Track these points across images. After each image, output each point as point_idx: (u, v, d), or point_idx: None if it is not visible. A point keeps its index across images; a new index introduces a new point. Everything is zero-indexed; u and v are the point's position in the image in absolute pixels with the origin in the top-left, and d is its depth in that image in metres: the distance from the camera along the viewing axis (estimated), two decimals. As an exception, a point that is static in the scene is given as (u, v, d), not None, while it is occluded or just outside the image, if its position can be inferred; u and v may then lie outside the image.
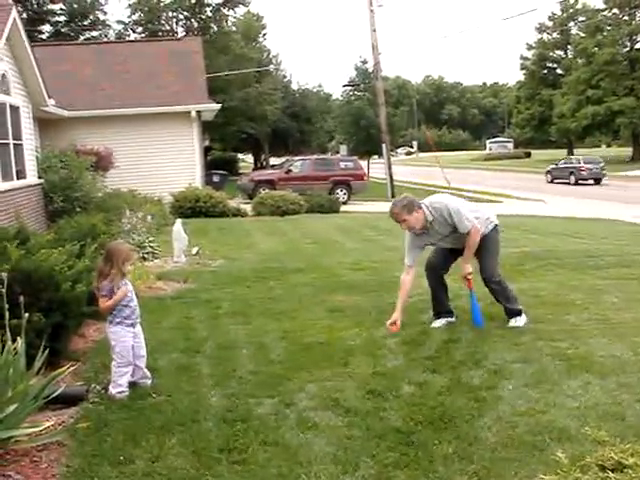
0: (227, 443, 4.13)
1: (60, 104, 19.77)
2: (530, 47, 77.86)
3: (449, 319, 6.86)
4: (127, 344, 5.06)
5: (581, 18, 70.30)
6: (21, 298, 4.37)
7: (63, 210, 15.41)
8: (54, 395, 4.47)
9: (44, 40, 41.02)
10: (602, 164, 43.15)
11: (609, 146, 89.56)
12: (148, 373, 5.23)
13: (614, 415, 4.34)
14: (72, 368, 5.09)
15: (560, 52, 76.69)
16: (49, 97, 17.27)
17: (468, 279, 6.68)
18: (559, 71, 76.00)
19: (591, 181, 42.03)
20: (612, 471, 2.73)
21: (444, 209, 6.44)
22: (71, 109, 21.37)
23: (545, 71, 76.99)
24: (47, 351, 4.55)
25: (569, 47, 74.08)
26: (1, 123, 13.70)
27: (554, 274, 9.28)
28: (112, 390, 4.96)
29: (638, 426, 4.14)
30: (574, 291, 8.12)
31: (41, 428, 4.25)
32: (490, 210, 7.12)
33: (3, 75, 14.10)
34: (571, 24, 72.77)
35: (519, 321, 6.63)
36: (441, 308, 6.90)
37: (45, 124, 20.19)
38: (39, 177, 16.04)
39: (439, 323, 6.81)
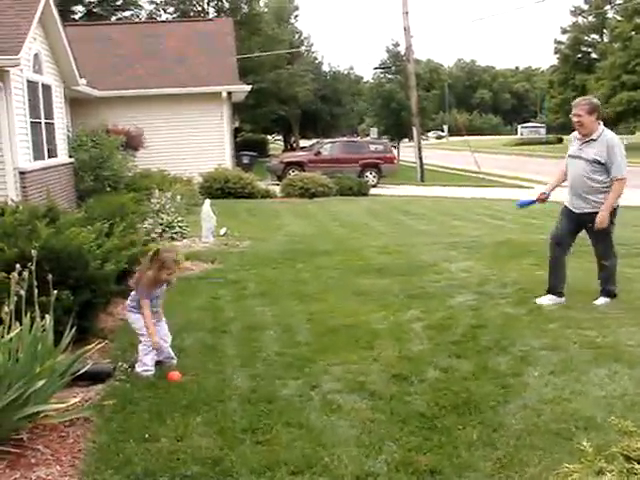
0: (251, 423, 4.15)
1: (91, 84, 19.89)
2: (565, 31, 76.56)
3: (557, 299, 6.93)
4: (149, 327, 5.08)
5: (618, 1, 68.93)
6: (50, 276, 4.41)
7: (93, 189, 15.57)
8: (81, 372, 4.53)
9: (76, 20, 41.21)
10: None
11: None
12: (172, 354, 5.26)
13: (642, 405, 4.29)
14: (99, 346, 5.14)
15: (595, 36, 75.34)
16: (81, 77, 17.39)
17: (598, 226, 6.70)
18: (594, 55, 74.67)
19: None
20: (638, 462, 2.68)
21: (612, 142, 6.62)
22: (102, 89, 21.50)
23: (579, 55, 75.67)
24: (75, 328, 4.60)
25: (605, 31, 72.75)
26: (33, 102, 13.82)
27: (584, 261, 9.12)
28: (138, 369, 5.00)
29: (666, 417, 4.08)
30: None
31: (68, 404, 4.32)
32: None
33: (36, 55, 14.22)
34: (607, 7, 71.38)
35: (602, 301, 6.85)
36: (554, 285, 6.99)
37: (76, 104, 20.35)
38: (70, 156, 16.19)
39: (546, 300, 6.91)
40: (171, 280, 5.18)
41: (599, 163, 6.58)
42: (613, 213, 6.76)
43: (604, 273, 6.92)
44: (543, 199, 7.18)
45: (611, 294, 6.89)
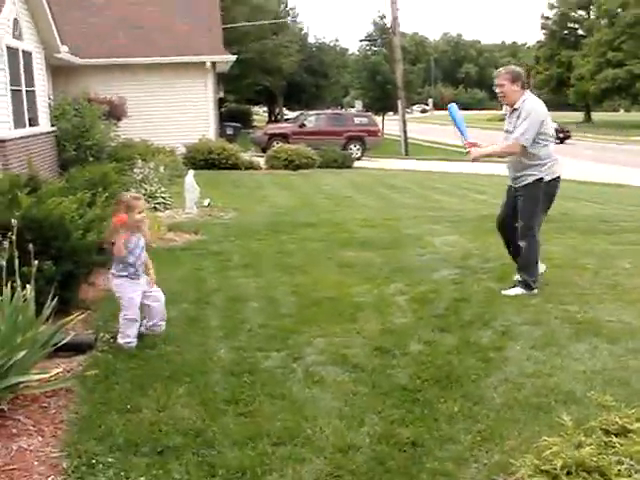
0: (233, 395, 4.16)
1: (73, 51, 19.58)
2: (552, 6, 76.37)
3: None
4: (133, 299, 5.00)
5: (606, -23, 68.71)
6: (31, 246, 4.36)
7: (75, 159, 15.38)
8: (63, 342, 4.51)
9: (59, -15, 40.43)
10: None
11: (628, 110, 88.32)
12: (165, 316, 5.23)
13: (620, 380, 4.33)
14: (81, 316, 5.10)
15: (582, 12, 75.19)
16: (62, 44, 17.11)
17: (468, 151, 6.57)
18: (580, 32, 74.60)
19: None
20: (616, 435, 2.73)
21: (527, 110, 6.17)
22: (84, 57, 21.18)
23: (566, 32, 75.61)
24: (57, 299, 4.56)
25: (592, 7, 72.58)
26: (14, 69, 13.59)
27: (567, 237, 9.22)
28: (120, 340, 4.98)
29: (645, 391, 4.13)
30: (586, 255, 8.07)
31: (50, 375, 4.29)
32: (559, 160, 6.45)
33: (15, 20, 13.95)
34: (595, -17, 71.24)
35: (514, 290, 6.37)
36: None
37: (58, 72, 20.06)
38: (52, 125, 15.98)
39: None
40: (144, 223, 5.12)
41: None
42: (541, 186, 6.26)
43: (521, 259, 6.47)
44: (470, 148, 6.59)
45: (528, 285, 6.35)
